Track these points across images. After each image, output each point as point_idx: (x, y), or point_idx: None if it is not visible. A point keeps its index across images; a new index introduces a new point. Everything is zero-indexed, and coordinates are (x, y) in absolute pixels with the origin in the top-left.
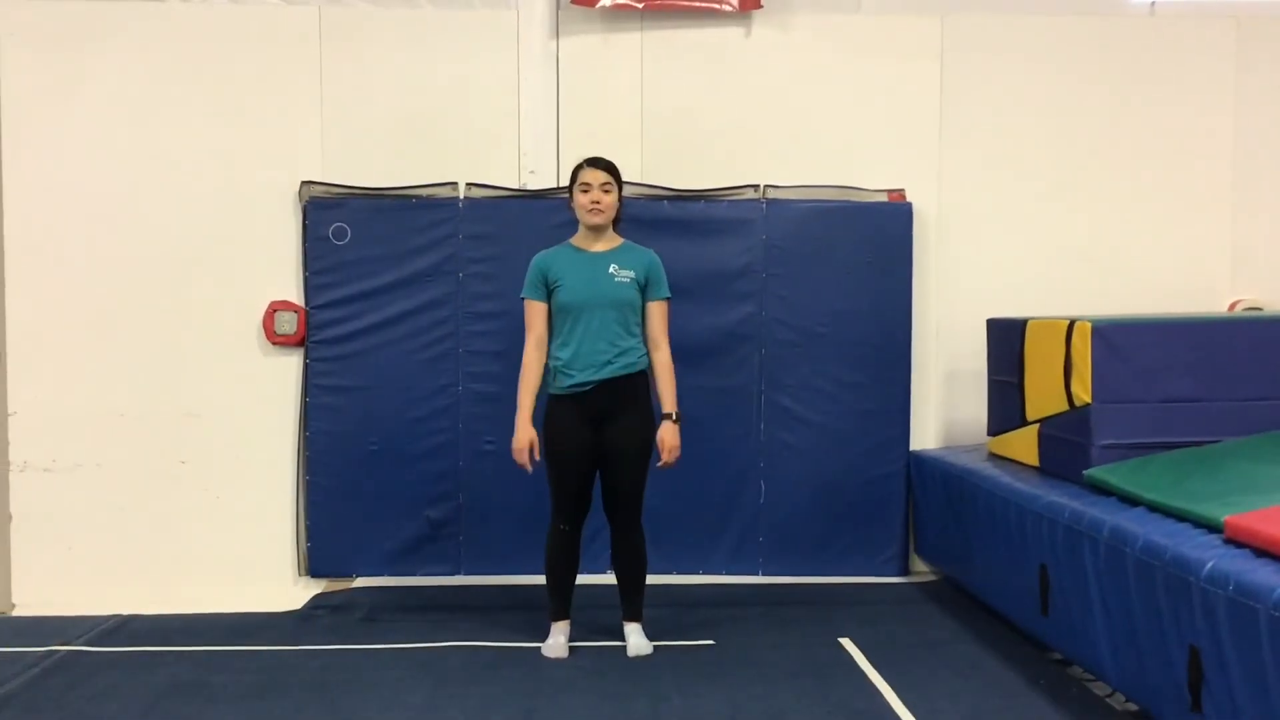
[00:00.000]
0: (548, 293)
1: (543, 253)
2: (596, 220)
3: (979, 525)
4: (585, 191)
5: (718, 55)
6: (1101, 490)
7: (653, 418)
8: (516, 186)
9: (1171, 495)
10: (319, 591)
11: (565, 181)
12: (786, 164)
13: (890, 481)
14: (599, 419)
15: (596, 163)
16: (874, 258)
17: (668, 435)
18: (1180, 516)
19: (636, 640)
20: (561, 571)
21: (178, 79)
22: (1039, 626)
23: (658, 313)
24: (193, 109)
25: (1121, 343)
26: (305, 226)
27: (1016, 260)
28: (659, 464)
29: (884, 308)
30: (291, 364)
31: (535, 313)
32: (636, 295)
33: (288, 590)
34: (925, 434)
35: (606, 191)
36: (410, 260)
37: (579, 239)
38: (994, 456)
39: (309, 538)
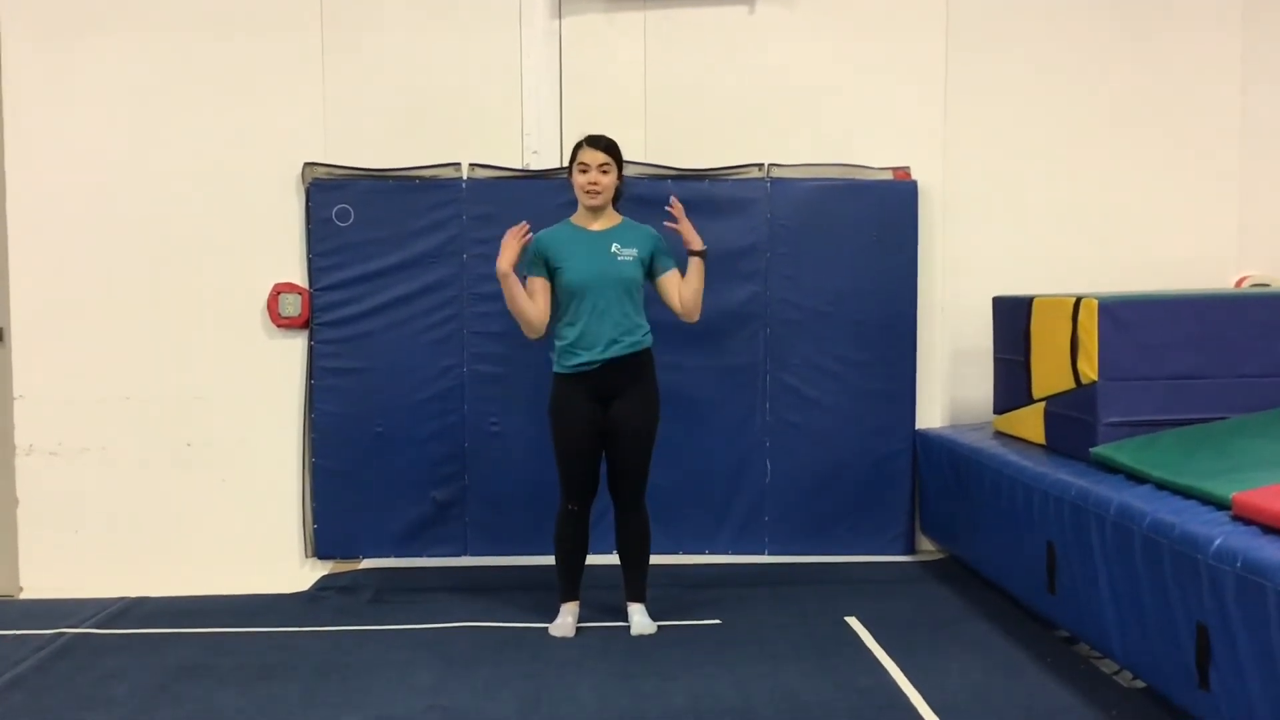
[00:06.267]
0: (548, 272)
1: (543, 231)
2: (594, 202)
3: (985, 503)
4: (583, 172)
5: (721, 33)
6: (1108, 468)
7: (657, 396)
8: (520, 167)
9: (1179, 472)
10: (326, 573)
11: (568, 161)
12: (791, 142)
13: (896, 460)
14: (605, 397)
15: (595, 142)
16: (879, 236)
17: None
18: (1187, 494)
19: (640, 620)
20: (570, 552)
21: (179, 61)
22: (1046, 604)
23: (675, 282)
24: (194, 91)
25: (1128, 320)
26: (308, 209)
27: (1022, 237)
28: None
29: (889, 286)
30: (296, 346)
31: (533, 287)
32: (640, 273)
33: (295, 572)
34: (931, 412)
35: (604, 172)
36: (414, 242)
37: (579, 217)
38: (1000, 435)
39: (315, 519)
